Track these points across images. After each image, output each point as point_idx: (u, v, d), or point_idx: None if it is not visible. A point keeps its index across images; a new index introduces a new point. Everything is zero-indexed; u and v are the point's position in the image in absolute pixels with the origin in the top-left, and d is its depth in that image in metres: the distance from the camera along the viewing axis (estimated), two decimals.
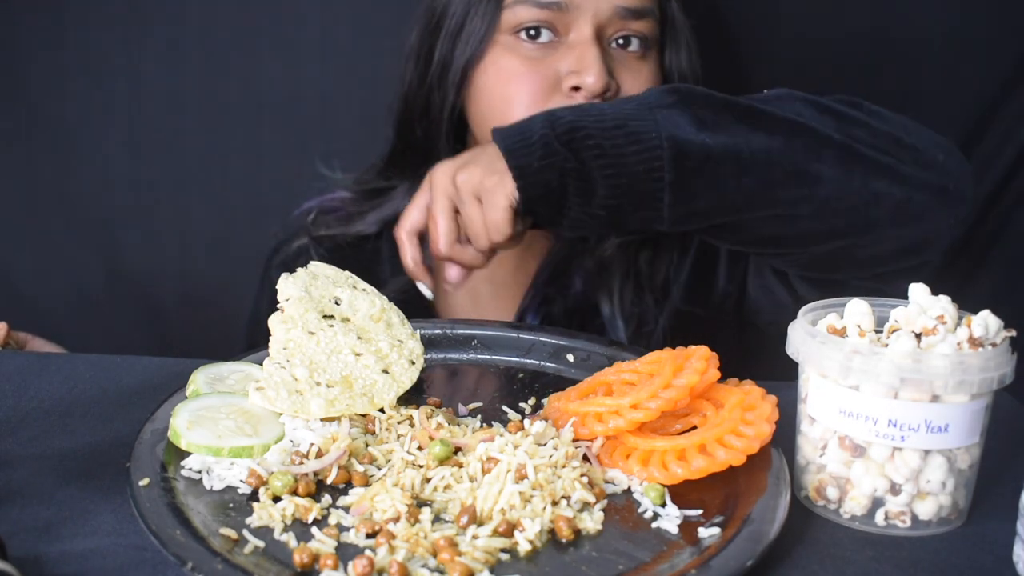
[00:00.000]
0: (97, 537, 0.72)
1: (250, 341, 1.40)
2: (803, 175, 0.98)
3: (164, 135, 1.59)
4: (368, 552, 0.69)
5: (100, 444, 0.86)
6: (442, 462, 0.80)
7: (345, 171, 1.41)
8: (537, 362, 1.02)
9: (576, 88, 1.16)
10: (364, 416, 0.86)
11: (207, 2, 1.55)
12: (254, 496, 0.76)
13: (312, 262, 0.99)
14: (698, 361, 0.84)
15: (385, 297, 0.98)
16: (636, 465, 0.81)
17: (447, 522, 0.74)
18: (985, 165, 1.50)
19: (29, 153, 1.58)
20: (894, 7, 1.51)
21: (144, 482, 0.75)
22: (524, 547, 0.71)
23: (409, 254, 1.04)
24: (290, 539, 0.71)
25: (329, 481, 0.78)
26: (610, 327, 1.25)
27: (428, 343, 1.00)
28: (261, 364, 0.87)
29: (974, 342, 0.76)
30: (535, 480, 0.77)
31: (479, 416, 0.90)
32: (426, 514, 0.74)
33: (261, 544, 0.70)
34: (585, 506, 0.77)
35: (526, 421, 0.86)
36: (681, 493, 0.79)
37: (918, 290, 0.81)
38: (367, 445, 0.82)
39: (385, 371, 0.89)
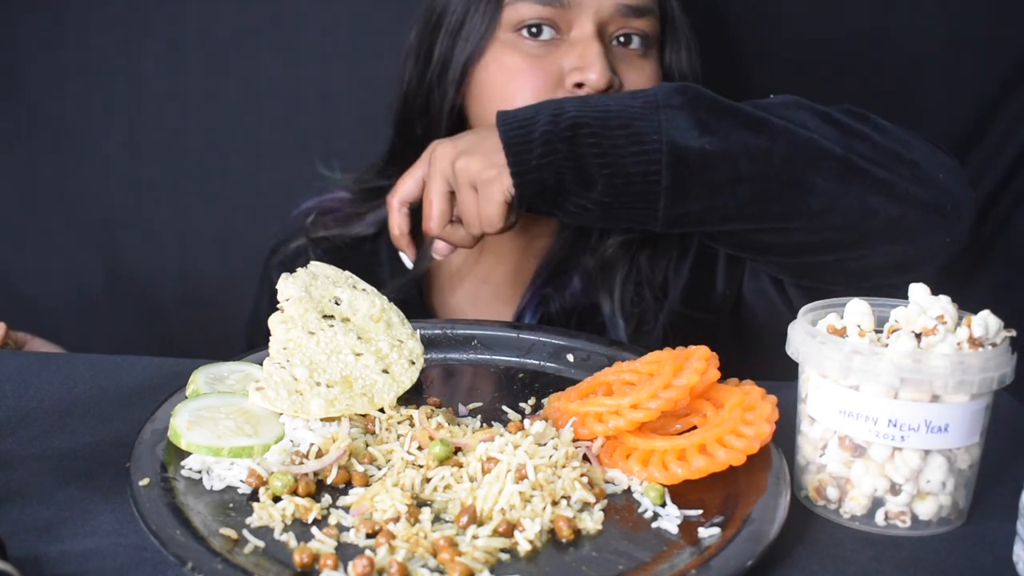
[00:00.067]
0: (97, 537, 0.72)
1: (250, 341, 1.40)
2: (798, 186, 0.98)
3: (164, 135, 1.59)
4: (368, 552, 0.69)
5: (100, 444, 0.86)
6: (442, 462, 0.80)
7: (345, 171, 1.41)
8: (537, 362, 1.02)
9: (579, 85, 1.16)
10: (364, 416, 0.86)
11: (207, 2, 1.55)
12: (254, 496, 0.76)
13: (312, 262, 0.99)
14: (698, 361, 0.84)
15: (385, 297, 0.98)
16: (636, 465, 0.81)
17: (447, 522, 0.74)
18: (985, 165, 1.50)
19: (29, 153, 1.58)
20: (894, 7, 1.51)
21: (144, 482, 0.75)
22: (524, 547, 0.71)
23: (396, 223, 1.09)
24: (290, 539, 0.71)
25: (329, 481, 0.78)
26: (610, 326, 1.25)
27: (428, 343, 1.00)
28: (261, 364, 0.87)
29: (974, 342, 0.76)
30: (535, 480, 0.77)
31: (479, 416, 0.90)
32: (426, 514, 0.74)
33: (261, 544, 0.70)
34: (585, 506, 0.77)
35: (526, 421, 0.86)
36: (681, 493, 0.79)
37: (918, 290, 0.81)
38: (367, 445, 0.82)
39: (385, 371, 0.89)
